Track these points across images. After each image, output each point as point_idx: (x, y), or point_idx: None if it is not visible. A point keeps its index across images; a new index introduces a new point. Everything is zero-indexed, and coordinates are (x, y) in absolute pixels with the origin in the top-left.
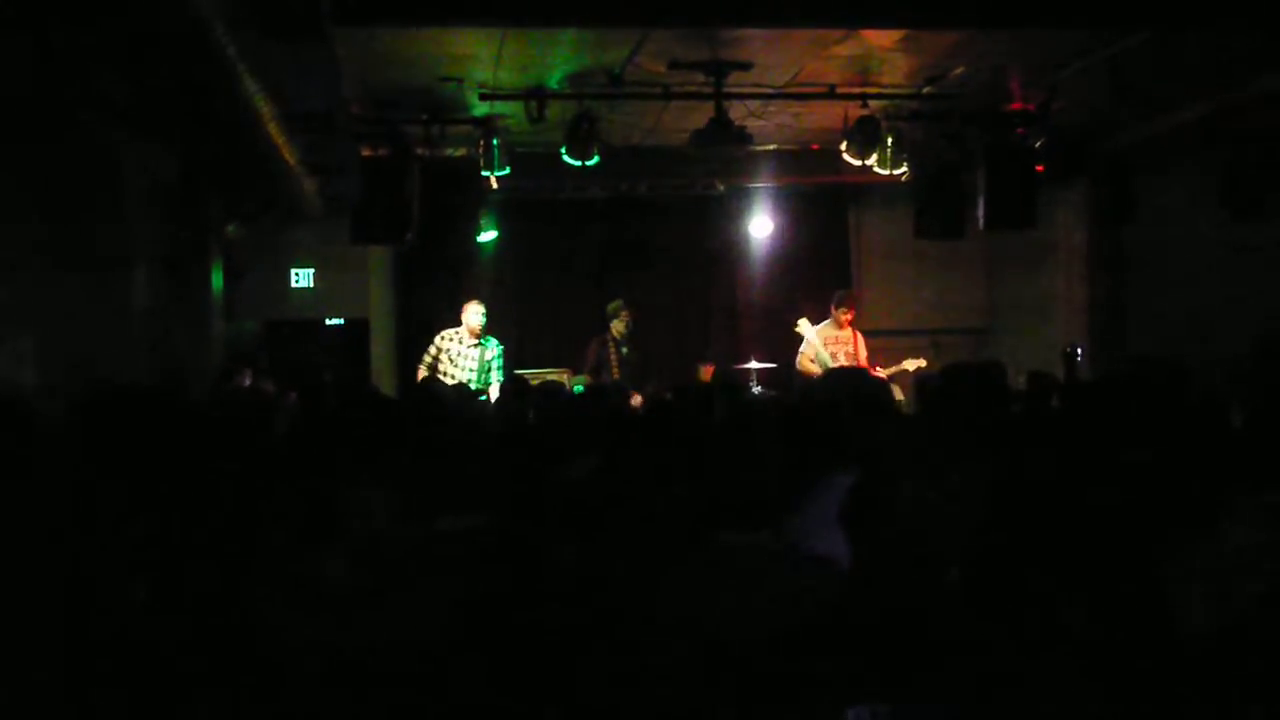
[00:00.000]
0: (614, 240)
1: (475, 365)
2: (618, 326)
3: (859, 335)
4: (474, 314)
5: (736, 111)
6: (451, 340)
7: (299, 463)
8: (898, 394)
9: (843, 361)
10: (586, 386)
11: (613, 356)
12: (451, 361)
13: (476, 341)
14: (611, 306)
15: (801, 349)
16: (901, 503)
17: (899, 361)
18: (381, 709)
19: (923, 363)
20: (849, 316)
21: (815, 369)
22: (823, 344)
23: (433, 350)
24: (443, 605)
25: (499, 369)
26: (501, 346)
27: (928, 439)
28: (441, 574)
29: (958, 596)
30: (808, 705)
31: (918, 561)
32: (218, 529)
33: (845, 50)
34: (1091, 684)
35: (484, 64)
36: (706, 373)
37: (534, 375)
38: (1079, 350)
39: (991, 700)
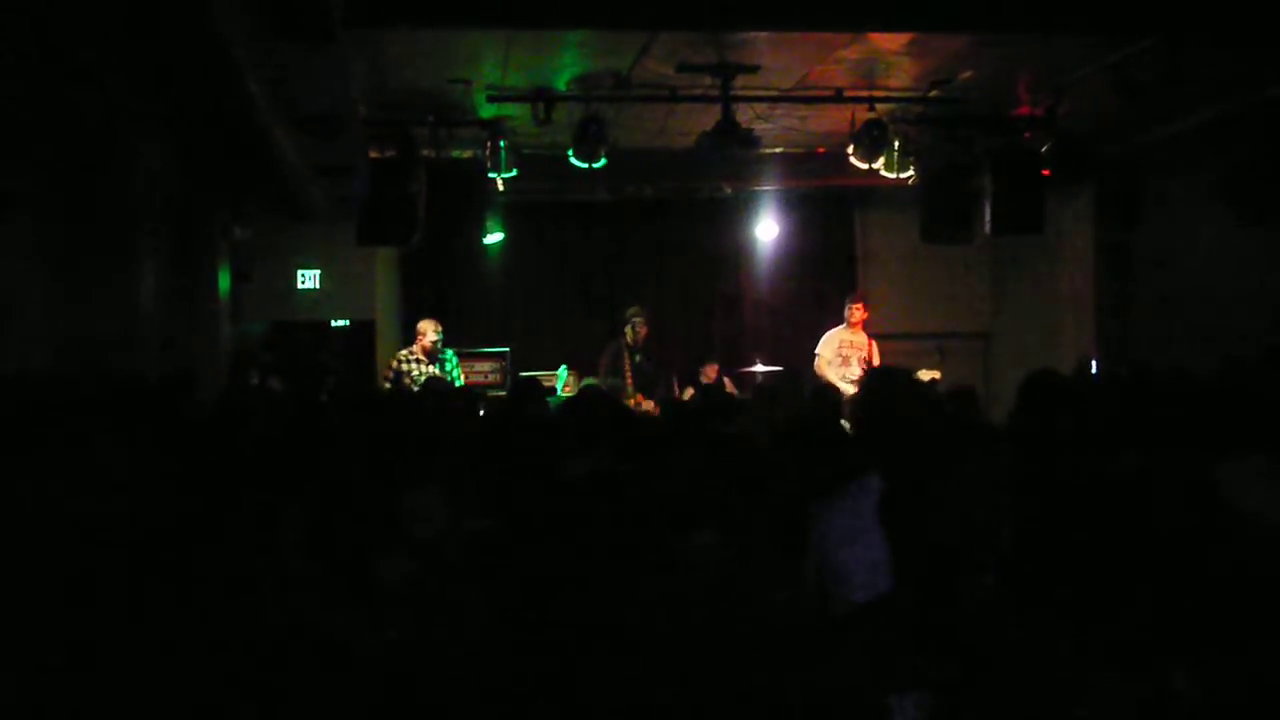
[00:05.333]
0: (620, 243)
1: None
2: (629, 333)
3: (873, 341)
4: (430, 335)
5: (743, 114)
6: (407, 361)
7: (355, 467)
8: None
9: (855, 366)
10: (586, 389)
11: (626, 362)
12: (414, 382)
13: (433, 359)
14: (628, 312)
15: (817, 351)
16: (935, 504)
17: (912, 371)
18: (432, 706)
19: (937, 374)
20: (861, 313)
21: (831, 374)
22: (837, 348)
23: (390, 374)
24: (478, 607)
25: (457, 379)
26: (454, 355)
27: (958, 443)
28: (477, 575)
29: (993, 594)
30: (852, 692)
31: (954, 560)
32: (281, 531)
33: (852, 54)
34: (1118, 675)
35: (492, 66)
36: (711, 372)
37: (540, 378)
38: (1093, 363)
39: (1027, 691)
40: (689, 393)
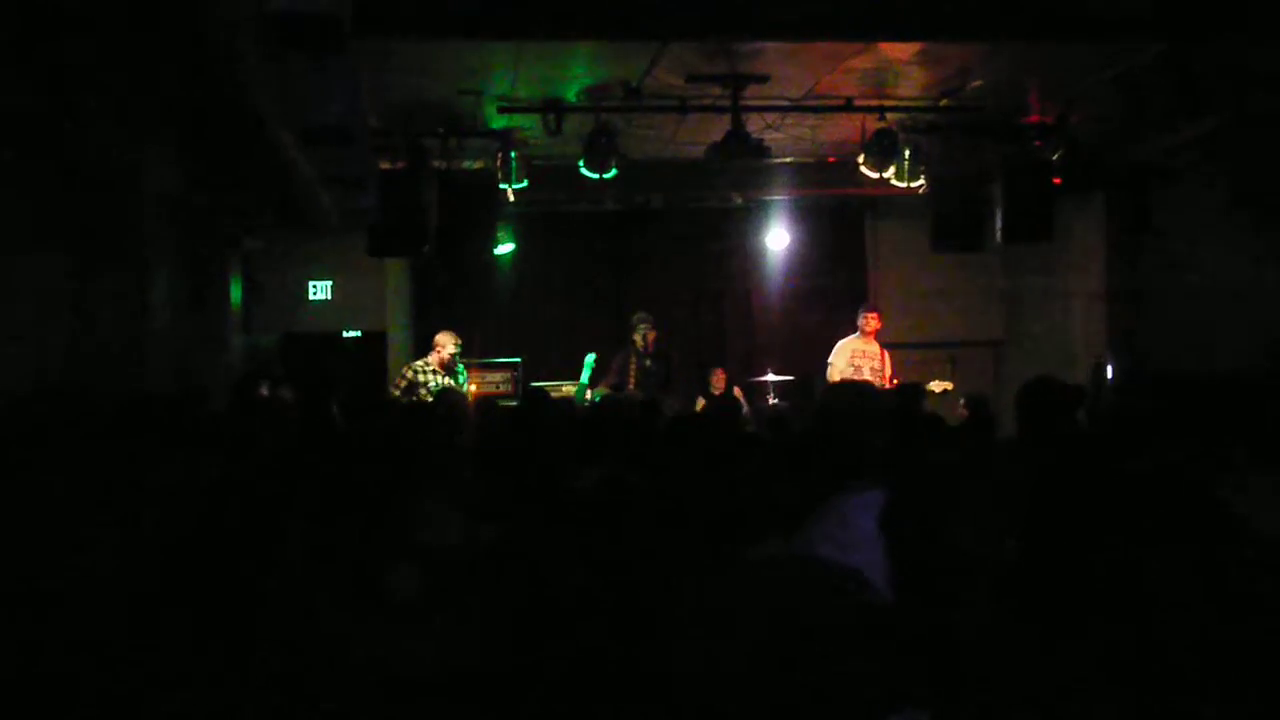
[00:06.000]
0: (630, 253)
1: None
2: (637, 340)
3: (885, 351)
4: (450, 347)
5: (754, 124)
6: (422, 372)
7: (367, 475)
8: None
9: (867, 375)
10: (602, 399)
11: (632, 369)
12: (429, 393)
13: (450, 371)
14: (634, 319)
15: (830, 360)
16: (939, 516)
17: (924, 380)
18: (444, 716)
19: (949, 385)
20: (874, 322)
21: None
22: (850, 358)
23: (403, 384)
24: (494, 616)
25: (464, 390)
26: (464, 367)
27: (962, 454)
28: (491, 585)
29: (997, 608)
30: (847, 712)
31: (956, 573)
32: (287, 539)
33: (862, 63)
34: (1119, 691)
35: (502, 77)
36: (719, 378)
37: (551, 388)
38: (1108, 365)
39: (1026, 709)
40: (700, 403)
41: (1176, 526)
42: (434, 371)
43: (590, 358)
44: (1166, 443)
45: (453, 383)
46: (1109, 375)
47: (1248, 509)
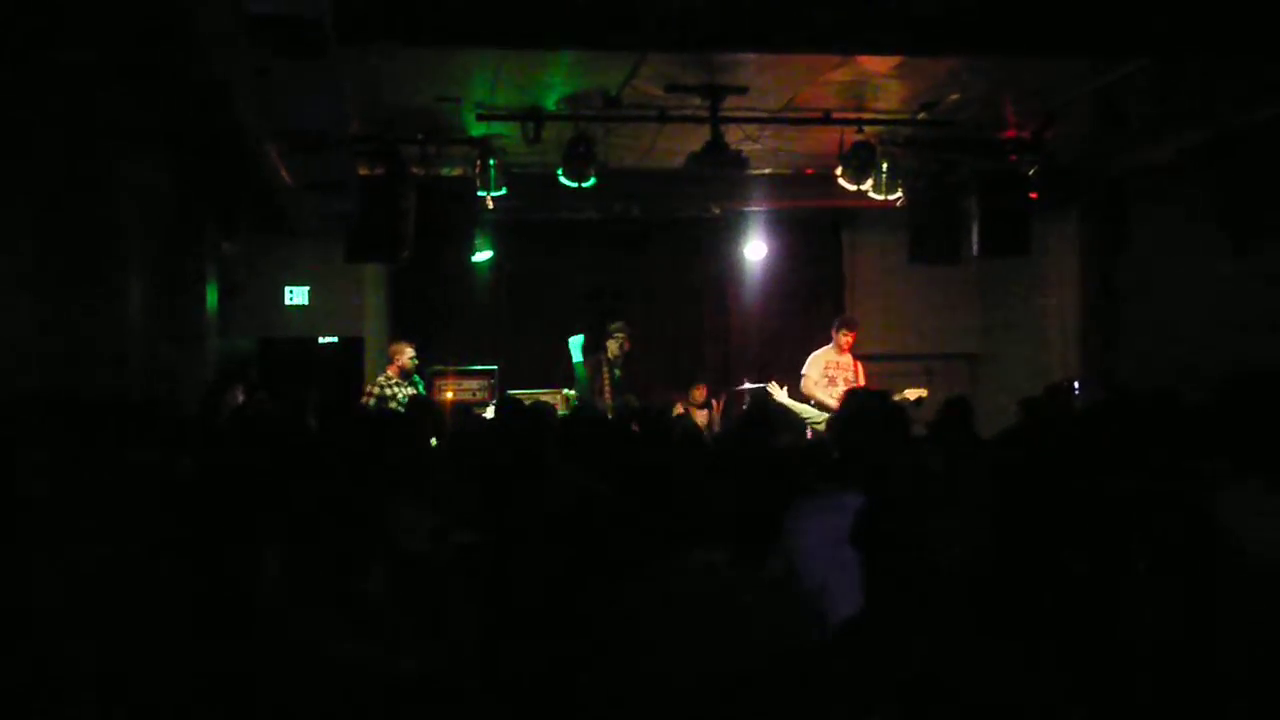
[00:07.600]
0: (608, 262)
1: None
2: (612, 348)
3: (859, 363)
4: (409, 352)
5: (732, 135)
6: (386, 385)
7: (341, 480)
8: None
9: (841, 387)
10: (575, 406)
11: (605, 378)
12: (399, 404)
13: (409, 379)
14: (611, 327)
15: (804, 371)
16: (913, 523)
17: (899, 390)
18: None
19: (924, 393)
20: (850, 340)
21: (819, 394)
22: (823, 369)
23: (372, 402)
24: (465, 619)
25: None
26: (420, 379)
27: (937, 461)
28: (462, 588)
29: (966, 613)
30: (827, 713)
31: (930, 579)
32: (262, 545)
33: (841, 76)
34: (1091, 700)
35: (482, 84)
36: (700, 393)
37: (527, 395)
38: (1075, 386)
39: (999, 713)
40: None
41: (1167, 546)
42: (397, 383)
43: (578, 339)
44: (1147, 458)
45: (415, 391)
46: (1076, 392)
47: (1233, 522)
